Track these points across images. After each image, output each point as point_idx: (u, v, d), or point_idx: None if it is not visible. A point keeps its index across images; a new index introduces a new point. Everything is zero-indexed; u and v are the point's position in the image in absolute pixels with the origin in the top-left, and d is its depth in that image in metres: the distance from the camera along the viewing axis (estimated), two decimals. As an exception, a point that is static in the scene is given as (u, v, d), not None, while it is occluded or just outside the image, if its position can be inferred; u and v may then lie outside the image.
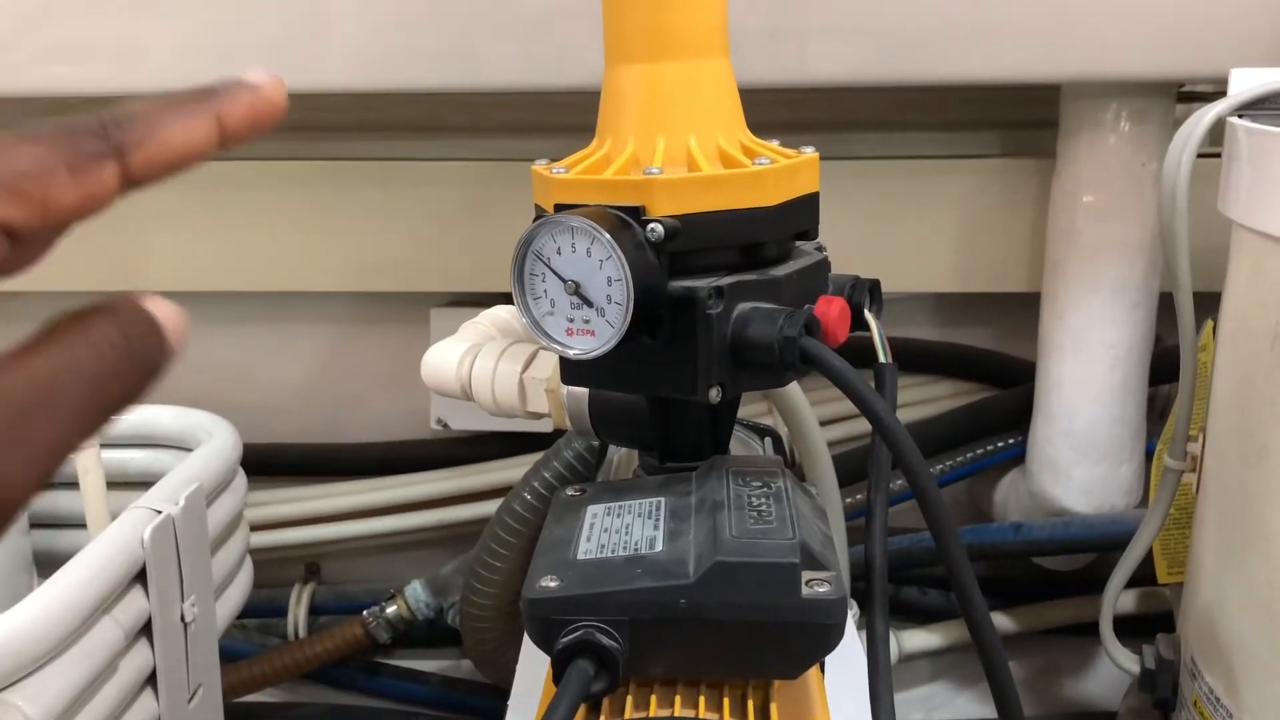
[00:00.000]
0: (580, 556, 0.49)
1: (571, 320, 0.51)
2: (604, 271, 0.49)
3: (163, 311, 0.29)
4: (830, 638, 0.45)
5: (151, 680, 0.71)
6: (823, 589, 0.45)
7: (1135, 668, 0.85)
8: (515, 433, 1.21)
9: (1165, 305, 1.04)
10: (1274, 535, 0.59)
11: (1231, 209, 0.68)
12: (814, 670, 0.52)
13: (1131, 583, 1.07)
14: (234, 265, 1.18)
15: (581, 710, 0.48)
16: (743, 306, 0.51)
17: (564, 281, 0.50)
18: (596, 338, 0.51)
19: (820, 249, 0.58)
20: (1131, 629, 1.00)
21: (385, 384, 1.25)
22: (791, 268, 0.54)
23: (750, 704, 0.47)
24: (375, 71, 0.95)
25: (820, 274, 0.56)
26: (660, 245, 0.50)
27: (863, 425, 1.16)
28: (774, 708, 0.46)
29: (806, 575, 0.46)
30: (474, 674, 1.23)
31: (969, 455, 1.15)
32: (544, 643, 0.46)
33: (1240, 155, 0.67)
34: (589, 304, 0.50)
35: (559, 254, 0.50)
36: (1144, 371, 1.05)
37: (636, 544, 0.49)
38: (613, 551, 0.49)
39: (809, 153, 0.55)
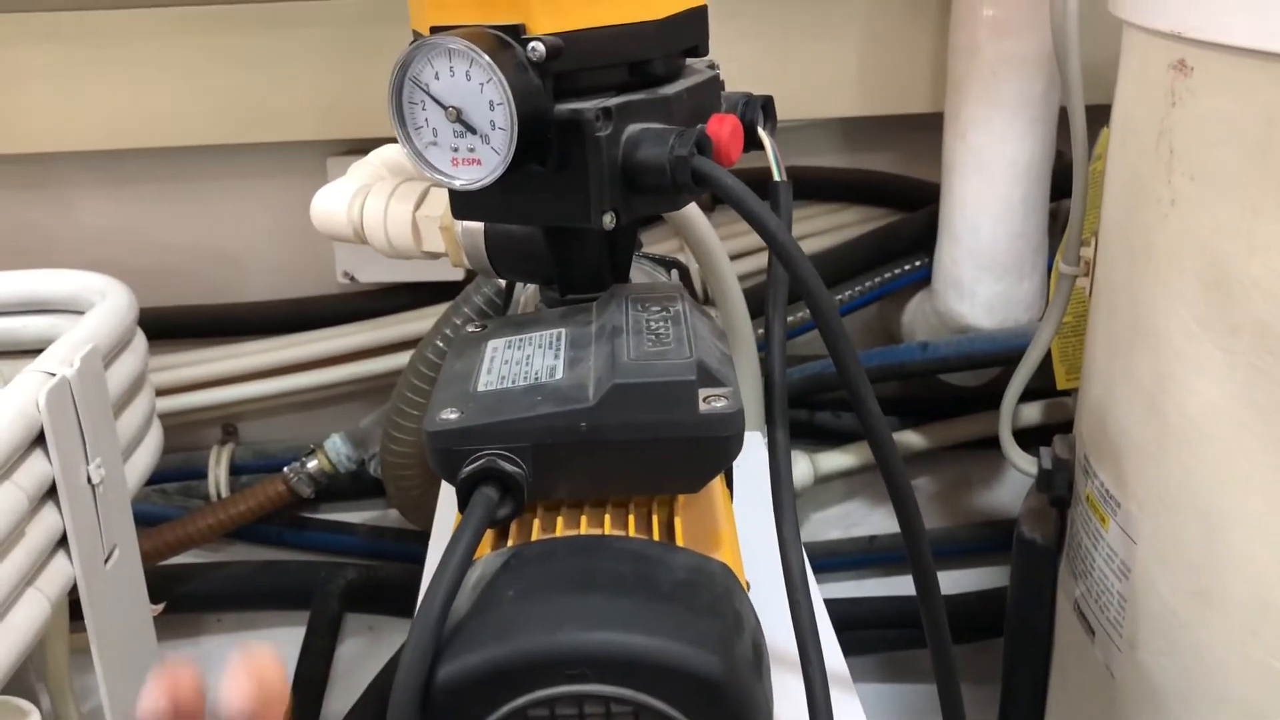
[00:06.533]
0: (480, 389, 0.49)
1: (456, 150, 0.50)
2: (485, 95, 0.48)
3: None
4: (728, 450, 0.46)
5: (64, 544, 0.71)
6: (719, 404, 0.46)
7: (1033, 469, 0.88)
8: (425, 283, 1.19)
9: (1066, 121, 1.04)
10: (1159, 330, 0.61)
11: (1120, 7, 0.67)
12: (719, 485, 0.53)
13: (1038, 395, 1.11)
14: (117, 122, 1.12)
15: (491, 535, 0.48)
16: (632, 128, 0.50)
17: (445, 108, 0.49)
18: (483, 166, 0.49)
19: (712, 66, 0.57)
20: (1038, 439, 1.04)
21: (286, 239, 1.22)
22: (681, 86, 0.53)
23: (655, 519, 0.48)
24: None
25: (712, 92, 0.55)
26: (543, 65, 0.48)
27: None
28: (678, 522, 0.47)
29: (704, 392, 0.46)
30: (401, 522, 1.24)
31: (877, 279, 1.17)
32: (448, 473, 0.46)
33: (1128, -47, 0.66)
34: (472, 131, 0.49)
35: (437, 79, 0.48)
36: (1045, 187, 1.06)
37: (537, 373, 0.49)
38: (513, 382, 0.49)
39: (695, -37, 0.53)
